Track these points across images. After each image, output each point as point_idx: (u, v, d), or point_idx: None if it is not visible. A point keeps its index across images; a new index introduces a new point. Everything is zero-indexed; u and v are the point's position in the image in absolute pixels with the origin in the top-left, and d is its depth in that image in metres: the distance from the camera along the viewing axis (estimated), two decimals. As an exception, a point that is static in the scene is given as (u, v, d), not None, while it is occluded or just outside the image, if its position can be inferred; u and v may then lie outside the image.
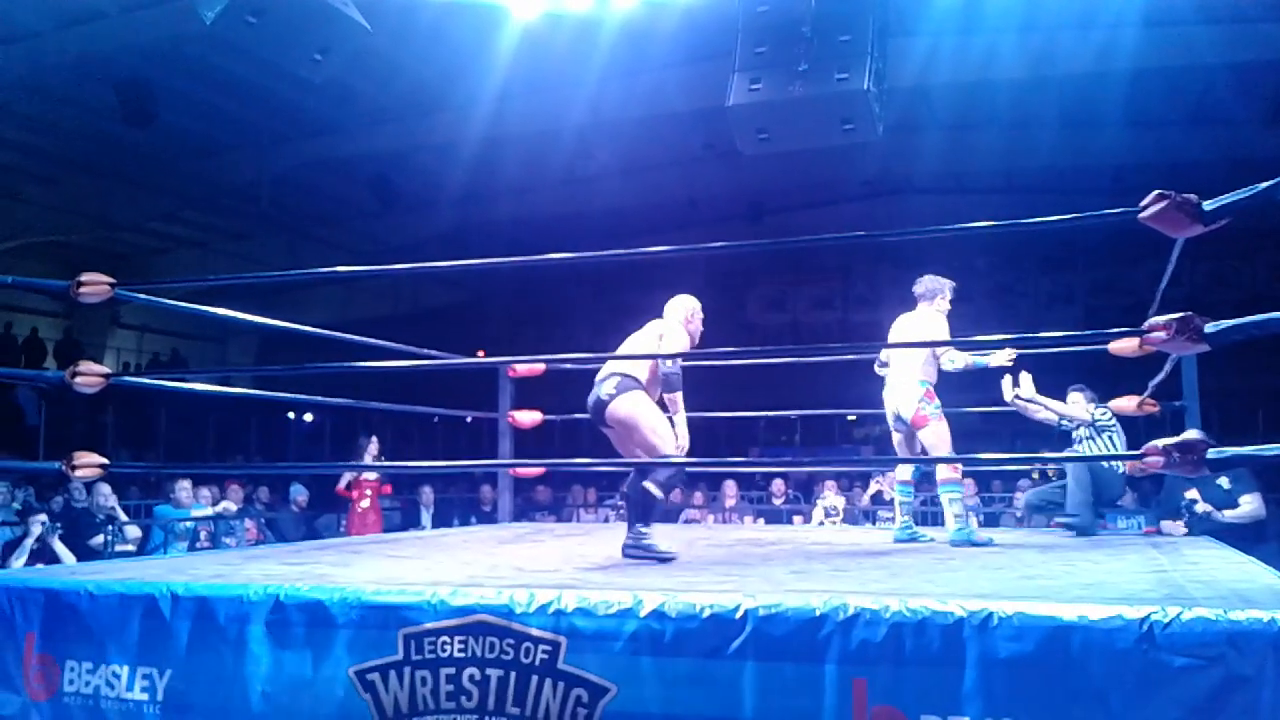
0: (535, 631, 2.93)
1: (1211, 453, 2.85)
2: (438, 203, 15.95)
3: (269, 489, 11.60)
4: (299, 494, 10.74)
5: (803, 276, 19.88)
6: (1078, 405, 5.74)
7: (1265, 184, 2.86)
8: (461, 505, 11.85)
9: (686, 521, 10.12)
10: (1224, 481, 5.76)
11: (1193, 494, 5.72)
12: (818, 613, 2.74)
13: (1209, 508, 5.71)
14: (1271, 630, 2.42)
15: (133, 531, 8.41)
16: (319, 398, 5.98)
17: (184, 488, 8.89)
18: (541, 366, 6.26)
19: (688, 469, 10.15)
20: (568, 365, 6.71)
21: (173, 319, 18.95)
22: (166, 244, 18.06)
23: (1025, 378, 5.83)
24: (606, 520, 10.61)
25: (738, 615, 2.79)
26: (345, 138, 14.04)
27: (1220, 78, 10.93)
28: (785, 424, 17.46)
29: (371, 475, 9.65)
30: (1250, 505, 5.75)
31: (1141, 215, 3.08)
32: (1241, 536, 5.53)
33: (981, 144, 13.35)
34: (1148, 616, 2.52)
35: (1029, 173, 14.55)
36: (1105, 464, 5.46)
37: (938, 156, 13.28)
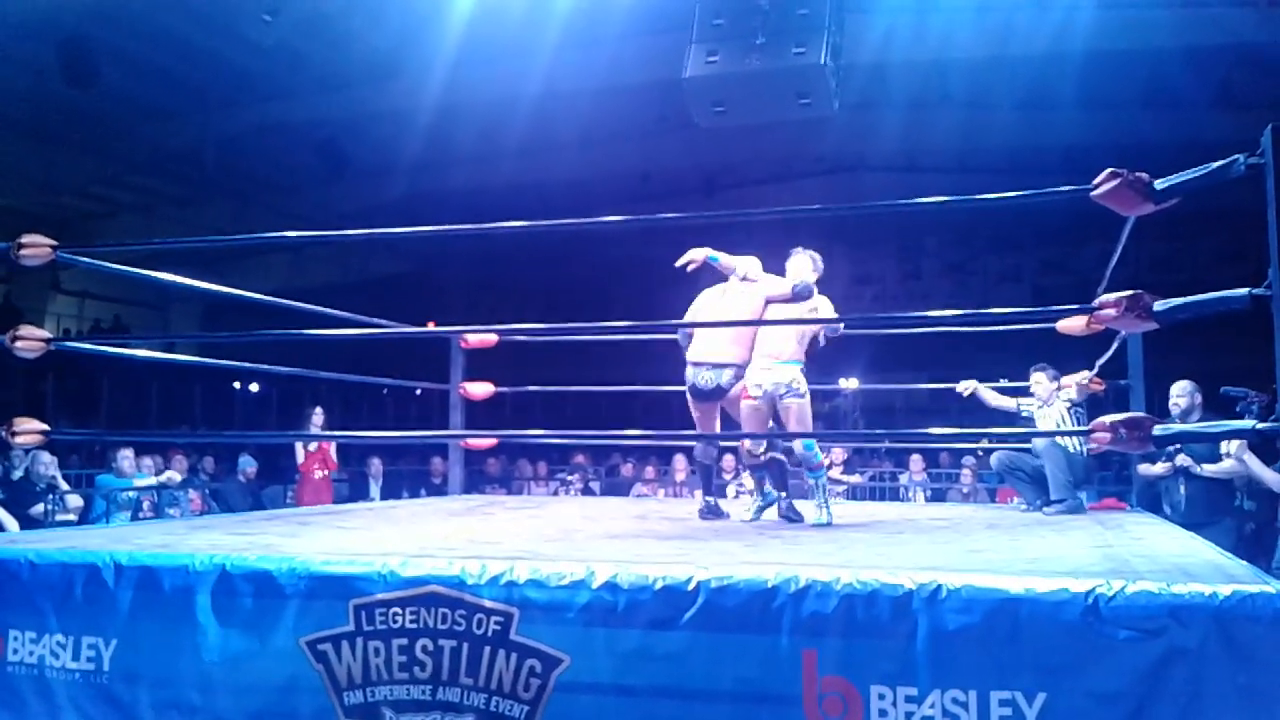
0: (488, 603, 2.92)
1: (1158, 430, 2.90)
2: (390, 171, 15.75)
3: (214, 459, 11.45)
4: (248, 465, 10.60)
5: (754, 252, 19.88)
6: (1039, 387, 5.74)
7: (1215, 164, 2.91)
8: (411, 477, 11.77)
9: (638, 496, 10.14)
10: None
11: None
12: (769, 584, 2.76)
13: (1189, 461, 5.71)
14: (1213, 604, 2.47)
15: (74, 501, 8.24)
16: (265, 365, 5.85)
17: (126, 457, 8.73)
18: (494, 338, 6.20)
19: (644, 443, 10.12)
20: (520, 337, 6.68)
21: (115, 285, 18.58)
22: (110, 209, 17.67)
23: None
24: (557, 493, 10.61)
25: (690, 587, 2.80)
26: (295, 103, 13.79)
27: (1172, 60, 11.08)
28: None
29: (315, 446, 9.53)
30: (1231, 462, 5.65)
31: (1094, 193, 3.11)
32: (1219, 494, 5.60)
33: (937, 123, 13.43)
34: (1093, 590, 2.56)
35: (984, 153, 14.66)
36: (1071, 448, 5.47)
37: (893, 135, 13.33)
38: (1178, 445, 5.65)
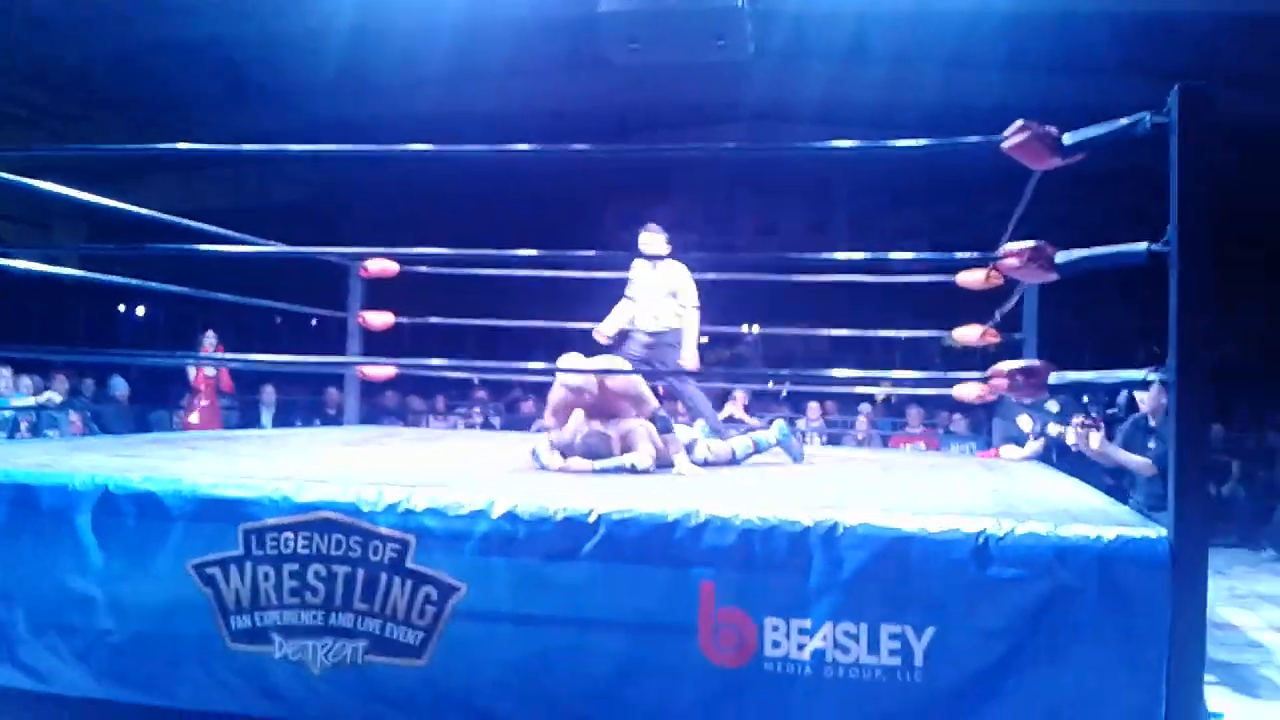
0: (384, 530, 2.87)
1: (1053, 377, 2.97)
2: (296, 95, 15.15)
3: (96, 382, 11.03)
4: (119, 387, 10.23)
5: (660, 197, 19.82)
6: (650, 246, 5.86)
7: (1122, 120, 2.95)
8: (305, 407, 11.52)
9: (539, 430, 10.10)
10: (1053, 406, 5.95)
11: (1024, 420, 5.92)
12: (669, 518, 2.77)
13: (1061, 429, 5.85)
14: (1097, 546, 2.56)
15: (-56, 419, 7.90)
16: (154, 283, 5.56)
17: (2, 375, 8.38)
18: (395, 267, 6.04)
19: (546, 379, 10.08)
20: (422, 267, 6.51)
21: (-6, 198, 17.66)
22: (-13, 118, 16.71)
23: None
24: (456, 427, 10.52)
25: (590, 519, 2.79)
26: (194, 19, 13.12)
27: (1093, 26, 11.19)
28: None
29: (210, 372, 9.25)
30: (1035, 445, 5.81)
31: (1004, 145, 3.15)
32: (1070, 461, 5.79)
33: (861, 77, 13.32)
34: (983, 530, 2.63)
35: (907, 109, 14.60)
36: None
37: (815, 87, 13.20)
38: (1041, 430, 5.81)
